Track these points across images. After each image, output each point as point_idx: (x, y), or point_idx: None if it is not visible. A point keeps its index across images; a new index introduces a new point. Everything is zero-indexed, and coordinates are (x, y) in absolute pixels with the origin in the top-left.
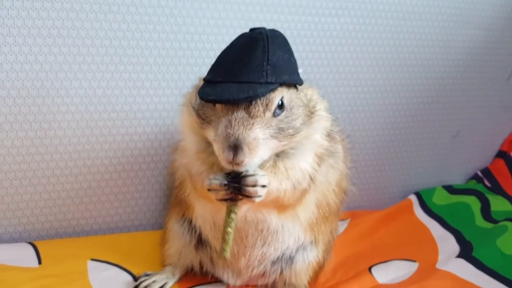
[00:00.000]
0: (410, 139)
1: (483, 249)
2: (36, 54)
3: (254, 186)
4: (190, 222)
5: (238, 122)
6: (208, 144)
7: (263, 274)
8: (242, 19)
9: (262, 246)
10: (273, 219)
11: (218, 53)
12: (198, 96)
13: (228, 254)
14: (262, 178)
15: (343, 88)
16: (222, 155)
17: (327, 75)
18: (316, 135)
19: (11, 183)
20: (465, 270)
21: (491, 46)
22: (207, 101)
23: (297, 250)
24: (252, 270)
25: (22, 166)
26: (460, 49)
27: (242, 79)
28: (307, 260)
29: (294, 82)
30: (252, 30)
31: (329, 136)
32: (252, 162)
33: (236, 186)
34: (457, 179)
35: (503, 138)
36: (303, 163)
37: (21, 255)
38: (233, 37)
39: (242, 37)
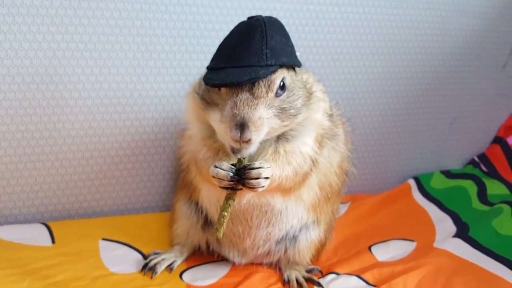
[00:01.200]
0: (409, 125)
1: (479, 229)
2: (49, 42)
3: (257, 178)
4: (197, 203)
5: (243, 103)
6: (213, 131)
7: (268, 253)
8: (246, 8)
9: (267, 227)
10: (277, 201)
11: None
12: (203, 82)
13: (221, 234)
14: (266, 171)
15: (343, 76)
16: (230, 134)
17: (328, 63)
18: (316, 115)
19: (25, 166)
20: (461, 248)
21: (487, 35)
22: (212, 85)
23: (300, 230)
24: (258, 249)
25: (36, 149)
26: (457, 37)
27: (243, 63)
28: (310, 238)
29: (293, 63)
30: (249, 18)
31: (331, 119)
32: (257, 139)
33: (239, 178)
34: (455, 164)
35: (499, 124)
36: (303, 146)
37: (35, 235)
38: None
39: (240, 25)
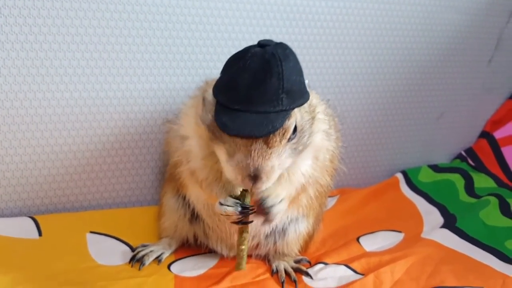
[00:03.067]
0: (396, 120)
1: (466, 220)
2: (45, 34)
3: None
4: (184, 197)
5: (257, 153)
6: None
7: (257, 246)
8: (233, 1)
9: (256, 223)
10: None
11: (207, 38)
12: (209, 108)
13: (244, 267)
14: (281, 205)
15: (330, 70)
16: (241, 182)
17: (315, 57)
18: (316, 138)
19: (12, 159)
20: (448, 239)
21: (473, 30)
22: (230, 135)
23: (289, 223)
24: None
25: (23, 142)
26: (442, 32)
27: (259, 109)
28: (298, 231)
29: (305, 102)
30: (261, 45)
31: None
32: (267, 186)
33: (248, 213)
34: (442, 159)
35: (486, 119)
36: (303, 166)
37: (21, 228)
38: (225, 20)
39: (254, 59)
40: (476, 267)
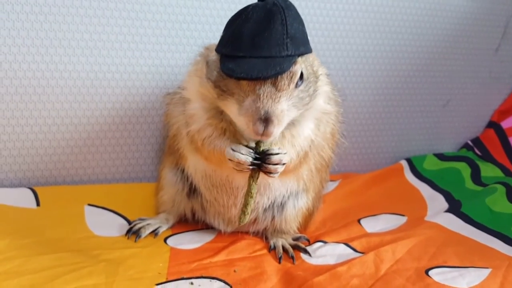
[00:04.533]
0: (401, 105)
1: (471, 206)
2: (50, 5)
3: (277, 164)
4: (183, 171)
5: (266, 96)
6: (218, 111)
7: (255, 221)
8: None
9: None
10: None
11: (210, 15)
12: (214, 66)
13: (246, 220)
14: (285, 156)
15: (334, 52)
16: (252, 128)
17: (318, 39)
18: (320, 101)
19: (13, 130)
20: (453, 222)
21: (480, 17)
22: (237, 78)
23: (288, 197)
24: None
25: (25, 113)
26: (448, 18)
27: (264, 54)
28: (297, 206)
29: (308, 52)
30: (263, 0)
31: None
32: (278, 132)
33: (259, 163)
34: (448, 148)
35: (493, 109)
36: (306, 129)
37: (20, 198)
38: None
39: (256, 9)
40: (480, 250)
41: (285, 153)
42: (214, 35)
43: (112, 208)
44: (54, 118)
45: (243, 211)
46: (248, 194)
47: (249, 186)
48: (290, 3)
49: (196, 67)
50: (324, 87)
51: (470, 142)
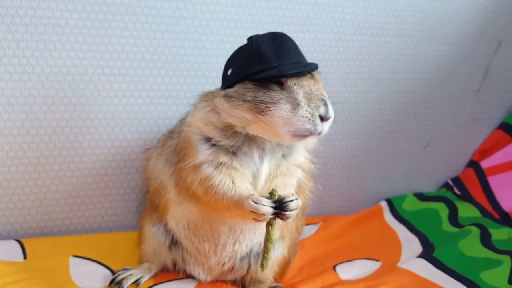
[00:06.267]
0: (382, 148)
1: (444, 250)
2: (24, 65)
3: (293, 210)
4: (165, 225)
5: (314, 85)
6: (227, 152)
7: (232, 269)
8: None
9: (234, 244)
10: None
11: (195, 62)
12: (251, 87)
13: (267, 267)
14: (299, 201)
15: None
16: (319, 111)
17: None
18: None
19: (0, 185)
20: (424, 268)
21: (461, 61)
22: (289, 75)
23: None
24: (223, 265)
25: (11, 169)
26: (429, 63)
27: (293, 60)
28: (274, 255)
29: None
30: (254, 36)
31: None
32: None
33: (278, 212)
34: (428, 187)
35: (474, 149)
36: (302, 158)
37: (7, 250)
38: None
39: (262, 37)
40: None
41: (297, 199)
42: (196, 88)
43: (97, 258)
44: (39, 172)
45: (264, 257)
46: (268, 240)
47: (268, 233)
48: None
49: (204, 108)
50: None
51: (450, 182)
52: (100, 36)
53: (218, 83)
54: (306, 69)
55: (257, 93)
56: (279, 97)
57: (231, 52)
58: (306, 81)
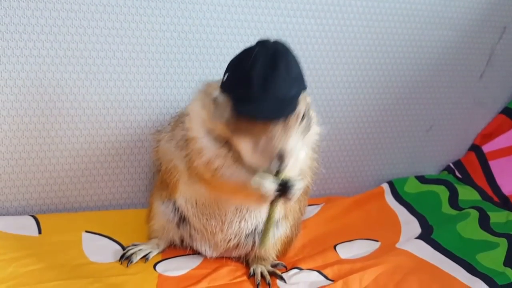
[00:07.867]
0: (385, 131)
1: (442, 231)
2: (42, 47)
3: (298, 190)
4: (174, 203)
5: (279, 135)
6: (226, 141)
7: (237, 246)
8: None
9: (240, 222)
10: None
11: (203, 46)
12: (229, 110)
13: (267, 246)
14: (303, 182)
15: (319, 84)
16: (270, 166)
17: (304, 71)
18: (311, 137)
19: (17, 162)
20: (422, 249)
21: (464, 46)
22: (258, 119)
23: None
24: (228, 242)
25: (27, 147)
26: (433, 48)
27: (275, 96)
28: (277, 234)
29: (305, 87)
30: (261, 43)
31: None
32: (290, 165)
33: (284, 191)
34: (430, 170)
35: (476, 133)
36: (302, 153)
37: (23, 225)
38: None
39: (261, 54)
40: (442, 278)
41: (301, 179)
42: (211, 71)
43: (108, 234)
44: (53, 151)
45: (264, 235)
46: (270, 219)
47: (271, 212)
48: (287, 46)
49: (200, 103)
50: (314, 114)
51: (451, 165)
52: (111, 20)
53: (225, 66)
54: (275, 116)
55: (233, 117)
56: (246, 132)
57: (239, 36)
58: (276, 127)
